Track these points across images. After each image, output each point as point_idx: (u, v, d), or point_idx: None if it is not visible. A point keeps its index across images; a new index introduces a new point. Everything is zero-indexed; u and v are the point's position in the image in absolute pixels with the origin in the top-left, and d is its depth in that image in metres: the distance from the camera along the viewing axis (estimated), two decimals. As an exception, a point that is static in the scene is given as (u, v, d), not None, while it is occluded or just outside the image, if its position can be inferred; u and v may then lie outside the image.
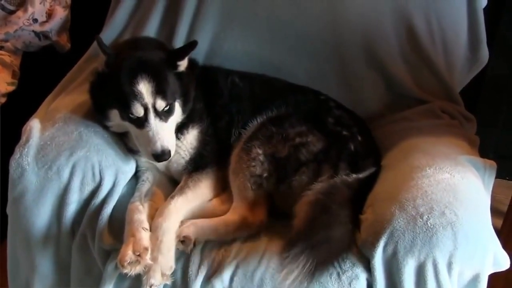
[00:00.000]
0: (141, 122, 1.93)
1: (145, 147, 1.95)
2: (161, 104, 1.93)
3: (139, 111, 1.91)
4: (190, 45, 2.02)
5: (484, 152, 2.23)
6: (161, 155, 1.92)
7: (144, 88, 1.90)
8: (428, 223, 1.72)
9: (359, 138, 2.11)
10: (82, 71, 2.47)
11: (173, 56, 2.00)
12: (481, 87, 2.70)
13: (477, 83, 2.64)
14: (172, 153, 1.96)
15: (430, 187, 1.82)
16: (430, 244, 1.71)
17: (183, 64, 2.02)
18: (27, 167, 1.92)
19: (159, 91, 1.92)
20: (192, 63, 2.09)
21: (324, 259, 1.75)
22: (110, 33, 2.56)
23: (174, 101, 1.98)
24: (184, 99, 2.03)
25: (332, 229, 1.79)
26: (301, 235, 1.76)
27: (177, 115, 2.02)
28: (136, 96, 1.89)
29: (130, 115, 1.92)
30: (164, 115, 1.95)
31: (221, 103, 2.21)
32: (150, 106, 1.91)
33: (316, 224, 1.79)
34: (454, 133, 2.24)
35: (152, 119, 1.92)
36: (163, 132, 1.93)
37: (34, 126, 2.04)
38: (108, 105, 1.97)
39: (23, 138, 2.00)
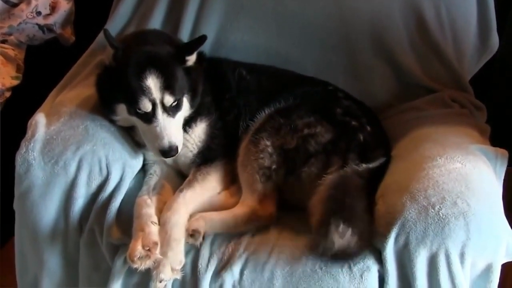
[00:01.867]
0: (149, 117, 1.91)
1: (152, 143, 1.93)
2: (169, 100, 1.91)
3: (147, 106, 1.89)
4: (199, 40, 1.99)
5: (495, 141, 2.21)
6: (169, 151, 1.91)
7: (153, 83, 1.88)
8: (440, 213, 1.71)
9: (368, 128, 2.09)
10: (87, 65, 2.45)
11: (182, 51, 1.98)
12: (492, 75, 2.67)
13: (487, 72, 2.61)
14: (180, 149, 1.94)
15: (441, 177, 1.81)
16: (442, 235, 1.70)
17: (191, 59, 2.00)
18: (33, 162, 1.91)
19: (168, 86, 1.90)
20: (200, 57, 2.06)
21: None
22: (114, 25, 2.53)
23: (182, 96, 1.97)
24: (192, 94, 2.01)
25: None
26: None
27: (185, 110, 2.01)
28: (144, 91, 1.88)
29: (138, 110, 1.91)
30: (172, 110, 1.93)
31: (229, 96, 2.20)
32: (158, 101, 1.90)
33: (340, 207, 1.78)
34: (465, 122, 2.22)
35: (160, 114, 1.91)
36: (171, 128, 1.92)
37: (40, 120, 2.03)
38: (115, 99, 1.96)
39: (29, 132, 1.99)
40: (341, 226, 1.72)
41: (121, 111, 1.97)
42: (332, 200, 1.83)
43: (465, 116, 2.30)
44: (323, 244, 1.73)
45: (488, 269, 1.76)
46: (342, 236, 1.72)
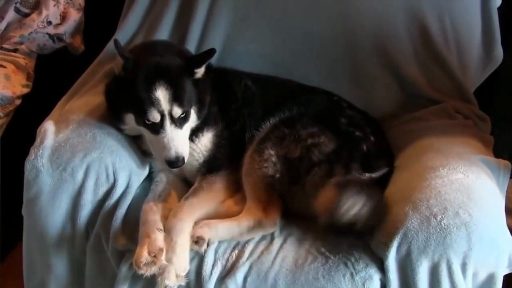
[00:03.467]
0: (157, 128, 1.94)
1: (159, 153, 1.96)
2: (177, 111, 1.94)
3: (155, 117, 1.92)
4: (208, 53, 2.02)
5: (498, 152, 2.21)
6: (175, 162, 1.94)
7: (162, 95, 1.91)
8: (442, 223, 1.72)
9: (372, 138, 2.10)
10: (95, 73, 2.48)
11: (191, 63, 2.01)
12: (496, 87, 2.67)
13: (492, 83, 2.61)
14: (186, 159, 1.97)
15: (443, 187, 1.82)
16: (444, 245, 1.71)
17: (200, 72, 2.02)
18: (42, 168, 1.93)
19: (176, 98, 1.93)
20: (207, 68, 2.08)
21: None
22: (123, 34, 2.56)
23: (190, 108, 1.99)
24: (199, 106, 2.03)
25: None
26: None
27: (192, 121, 2.03)
28: (153, 102, 1.90)
29: (146, 121, 1.94)
30: (179, 121, 1.96)
31: (235, 107, 2.22)
32: (166, 113, 1.92)
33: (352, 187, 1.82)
34: (468, 133, 2.23)
35: (168, 125, 1.93)
36: (178, 139, 1.94)
37: (49, 128, 2.05)
38: (123, 109, 1.99)
39: (38, 140, 2.01)
40: (353, 197, 1.75)
41: (129, 120, 2.00)
42: (341, 188, 1.85)
43: (468, 127, 2.30)
44: (334, 211, 1.76)
45: (490, 280, 1.77)
46: (353, 205, 1.76)
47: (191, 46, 2.51)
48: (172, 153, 1.93)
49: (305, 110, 2.17)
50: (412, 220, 1.74)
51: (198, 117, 2.05)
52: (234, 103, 2.22)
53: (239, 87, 2.25)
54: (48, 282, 2.03)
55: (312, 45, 2.51)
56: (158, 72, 1.93)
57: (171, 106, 1.92)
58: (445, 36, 2.49)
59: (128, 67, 1.95)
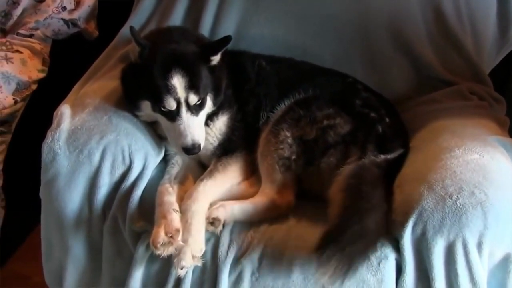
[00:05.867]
0: (173, 116, 1.94)
1: (176, 140, 1.97)
2: (193, 99, 1.94)
3: (171, 105, 1.92)
4: (224, 40, 2.02)
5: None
6: (191, 149, 1.94)
7: (178, 82, 1.91)
8: (458, 203, 1.71)
9: (387, 120, 2.09)
10: (110, 58, 2.49)
11: (207, 51, 2.01)
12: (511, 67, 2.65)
13: (507, 64, 2.59)
14: (202, 146, 1.97)
15: (459, 168, 1.81)
16: (459, 224, 1.70)
17: (216, 59, 2.03)
18: (59, 151, 1.95)
19: (192, 85, 1.93)
20: (222, 54, 2.07)
21: (358, 254, 1.72)
22: (137, 20, 2.57)
23: (206, 95, 2.00)
24: (215, 93, 2.04)
25: (368, 217, 1.75)
26: (335, 231, 1.72)
27: (208, 108, 2.04)
28: (169, 90, 1.91)
29: (162, 108, 1.94)
30: (195, 109, 1.96)
31: (249, 88, 2.21)
32: (182, 100, 1.93)
33: (350, 214, 1.76)
34: (483, 114, 2.22)
35: (184, 113, 1.94)
36: (194, 126, 1.95)
37: (65, 111, 2.06)
38: (139, 96, 1.99)
39: (54, 123, 2.02)
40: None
41: (145, 107, 2.00)
42: (351, 190, 1.83)
43: (484, 108, 2.29)
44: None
45: (506, 259, 1.76)
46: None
47: (205, 30, 2.50)
48: (189, 141, 1.93)
49: (320, 91, 2.16)
50: (428, 200, 1.74)
51: (214, 103, 2.06)
52: (247, 84, 2.21)
53: (252, 67, 2.24)
54: (65, 264, 2.05)
55: (327, 28, 2.50)
56: (174, 60, 1.94)
57: (187, 93, 1.93)
58: (459, 17, 2.47)
59: (144, 54, 1.96)
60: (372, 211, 1.78)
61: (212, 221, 1.89)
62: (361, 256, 1.74)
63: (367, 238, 1.75)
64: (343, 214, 1.77)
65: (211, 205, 1.94)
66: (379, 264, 1.77)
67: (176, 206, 1.91)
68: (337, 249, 1.67)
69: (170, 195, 1.95)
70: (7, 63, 2.60)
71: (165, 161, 2.16)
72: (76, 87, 2.33)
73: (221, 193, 2.01)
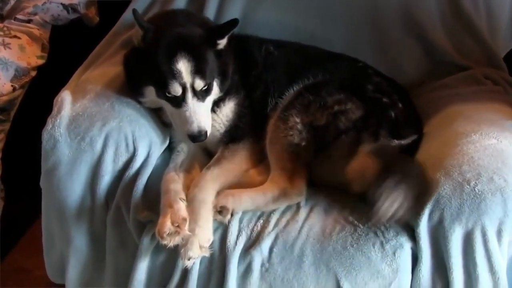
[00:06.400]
0: (178, 101, 1.89)
1: (181, 127, 1.92)
2: (199, 84, 1.89)
3: (177, 90, 1.87)
4: (231, 23, 1.96)
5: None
6: (198, 136, 1.89)
7: (183, 67, 1.86)
8: (476, 189, 1.68)
9: (400, 105, 2.05)
10: (111, 44, 2.44)
11: (213, 34, 1.95)
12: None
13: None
14: (208, 133, 1.92)
15: (476, 153, 1.77)
16: (478, 211, 1.67)
17: (222, 43, 1.97)
18: (60, 138, 1.89)
19: (198, 70, 1.88)
20: (229, 38, 2.01)
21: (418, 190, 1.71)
22: (140, 4, 2.50)
23: (213, 80, 1.95)
24: (222, 78, 1.99)
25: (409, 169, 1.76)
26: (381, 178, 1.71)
27: (215, 93, 1.99)
28: (174, 75, 1.86)
29: (167, 94, 1.89)
30: (202, 94, 1.91)
31: (256, 73, 2.16)
32: (188, 85, 1.88)
33: (391, 166, 1.75)
34: (498, 99, 2.17)
35: (190, 98, 1.89)
36: (200, 113, 1.90)
37: (65, 98, 2.01)
38: (143, 82, 1.94)
39: (55, 109, 1.97)
40: (392, 193, 1.68)
41: (149, 93, 1.95)
42: (381, 155, 1.81)
43: (499, 93, 2.25)
44: (372, 194, 1.70)
45: (527, 248, 1.72)
46: (393, 203, 1.68)
47: (210, 14, 2.46)
48: (195, 127, 1.88)
49: (330, 76, 2.11)
50: (445, 187, 1.70)
51: (221, 89, 2.00)
52: (254, 69, 2.16)
53: (259, 52, 2.20)
54: (67, 256, 2.01)
55: (336, 11, 2.46)
56: (179, 44, 1.88)
57: (193, 78, 1.88)
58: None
59: (148, 38, 1.90)
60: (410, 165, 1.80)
61: (220, 210, 1.84)
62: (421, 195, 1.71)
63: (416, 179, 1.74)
64: (384, 168, 1.75)
65: (219, 193, 1.89)
66: (394, 254, 1.74)
67: (182, 194, 1.87)
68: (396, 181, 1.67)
69: (176, 183, 1.90)
70: (5, 49, 2.54)
71: (170, 148, 2.12)
72: (76, 73, 2.28)
73: (229, 182, 1.96)
